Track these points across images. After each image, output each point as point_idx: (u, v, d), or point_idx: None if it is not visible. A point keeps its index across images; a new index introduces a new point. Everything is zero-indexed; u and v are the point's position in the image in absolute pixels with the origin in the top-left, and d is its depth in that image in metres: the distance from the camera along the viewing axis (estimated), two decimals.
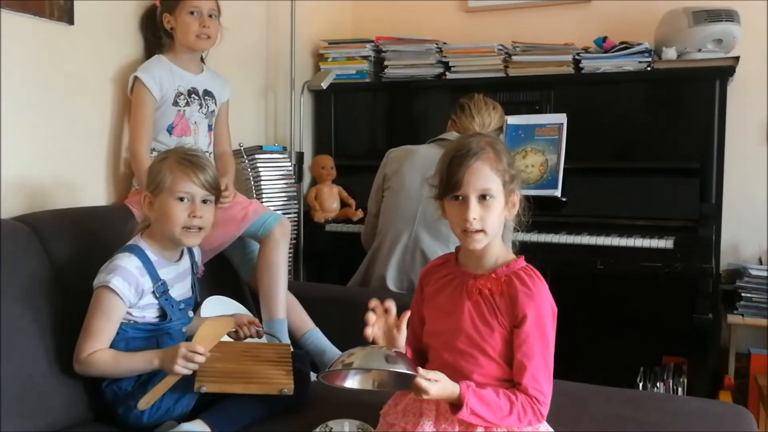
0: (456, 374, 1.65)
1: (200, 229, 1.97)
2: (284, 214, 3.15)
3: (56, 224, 2.12)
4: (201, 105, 2.64)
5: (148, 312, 1.95)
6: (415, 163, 2.81)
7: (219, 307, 2.34)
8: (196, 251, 2.17)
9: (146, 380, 1.87)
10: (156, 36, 2.64)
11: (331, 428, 1.81)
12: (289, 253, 3.23)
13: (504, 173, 1.64)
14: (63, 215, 2.20)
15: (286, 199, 3.25)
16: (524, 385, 1.58)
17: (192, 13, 2.55)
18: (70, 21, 2.37)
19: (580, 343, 2.94)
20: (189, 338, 2.00)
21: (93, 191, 2.51)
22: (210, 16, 2.58)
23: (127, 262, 1.89)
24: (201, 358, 1.81)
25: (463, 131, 2.81)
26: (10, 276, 1.88)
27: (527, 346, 1.59)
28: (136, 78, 2.50)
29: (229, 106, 2.82)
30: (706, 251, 2.80)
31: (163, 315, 1.97)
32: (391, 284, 2.73)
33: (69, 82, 2.41)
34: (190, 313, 2.07)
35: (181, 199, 1.93)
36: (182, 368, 1.79)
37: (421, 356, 1.77)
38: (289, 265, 3.19)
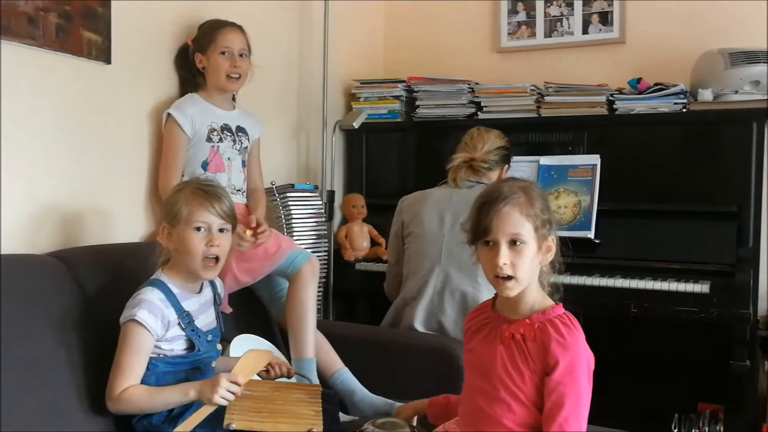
0: (488, 420, 1.62)
1: (217, 260, 1.97)
2: (314, 252, 3.14)
3: (89, 260, 2.13)
4: (234, 141, 2.66)
5: (176, 344, 1.94)
6: (430, 206, 2.80)
7: (248, 345, 2.33)
8: (219, 283, 2.17)
9: (177, 414, 1.87)
10: (190, 73, 2.68)
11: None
12: (319, 291, 3.23)
13: (536, 218, 1.62)
14: (96, 251, 2.22)
15: (316, 237, 3.25)
16: None
17: (223, 53, 2.59)
18: (108, 61, 2.41)
19: (613, 387, 2.87)
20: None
21: (128, 226, 2.53)
22: (241, 55, 2.62)
23: (151, 295, 1.90)
24: (239, 389, 1.82)
25: (454, 157, 2.81)
26: (43, 311, 1.89)
27: (557, 395, 1.55)
28: (168, 115, 2.54)
29: (262, 145, 2.84)
30: (743, 296, 2.75)
31: (191, 347, 1.97)
32: (420, 328, 2.69)
33: (106, 119, 2.44)
34: (219, 347, 2.07)
35: (198, 229, 1.94)
36: (221, 398, 1.79)
37: None
38: (318, 304, 3.19)
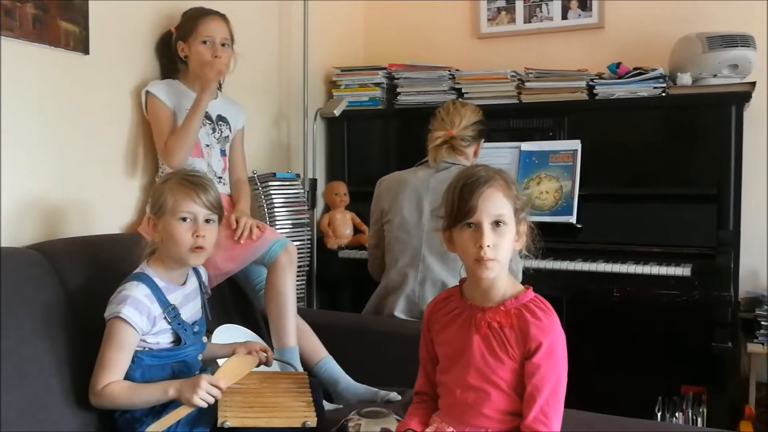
0: (467, 410, 1.63)
1: (204, 249, 1.95)
2: (297, 240, 3.14)
3: (70, 252, 2.11)
4: (214, 129, 2.65)
5: (162, 338, 1.93)
6: (408, 193, 2.80)
7: (231, 335, 2.33)
8: (203, 271, 2.15)
9: (159, 409, 1.85)
10: (171, 60, 2.66)
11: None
12: (302, 279, 3.22)
13: (515, 200, 1.63)
14: (77, 243, 2.20)
15: (299, 225, 3.24)
16: (532, 418, 1.55)
17: (205, 42, 2.57)
18: (86, 51, 2.38)
19: (597, 371, 2.90)
20: (204, 369, 1.99)
21: (109, 217, 2.51)
22: (223, 45, 2.59)
23: (136, 291, 1.88)
24: (219, 393, 1.81)
25: (435, 136, 2.80)
26: (24, 304, 1.87)
27: (538, 378, 1.56)
28: (147, 93, 2.53)
29: (243, 134, 2.82)
30: (724, 279, 2.77)
31: (177, 340, 1.95)
32: (402, 316, 2.70)
33: (85, 110, 2.41)
34: (204, 339, 2.06)
35: (184, 219, 1.93)
36: (200, 400, 1.78)
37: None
38: (301, 292, 3.19)
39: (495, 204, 1.60)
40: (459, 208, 1.62)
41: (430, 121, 2.88)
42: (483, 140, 2.91)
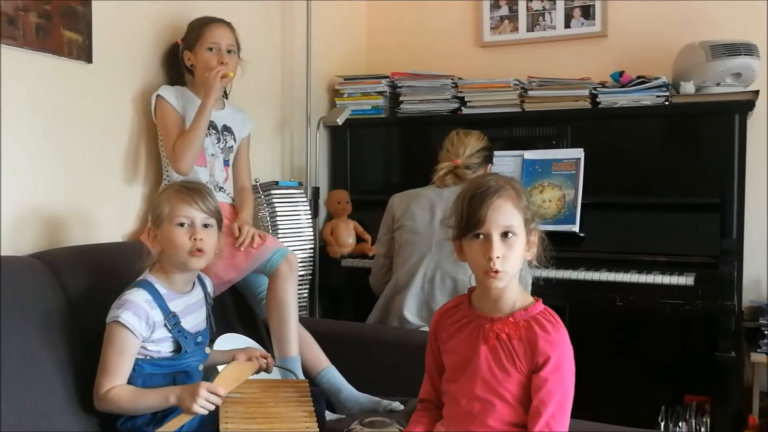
0: (471, 420, 1.62)
1: (204, 251, 1.95)
2: (300, 249, 3.13)
3: (72, 261, 2.11)
4: (219, 140, 2.64)
5: (163, 346, 1.93)
6: (421, 201, 2.84)
7: (232, 344, 2.32)
8: (208, 282, 2.15)
9: (161, 417, 1.86)
10: (179, 72, 2.67)
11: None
12: (305, 288, 3.21)
13: (525, 210, 1.62)
14: (79, 252, 2.20)
15: (301, 234, 3.24)
16: None
17: (210, 49, 2.57)
18: (89, 60, 2.39)
19: (599, 381, 2.88)
20: (206, 377, 1.99)
21: (111, 226, 2.51)
22: (229, 51, 2.59)
23: (136, 296, 1.89)
24: (219, 400, 1.80)
25: (440, 167, 2.85)
26: (26, 313, 1.87)
27: (544, 392, 1.55)
28: (158, 96, 2.52)
29: (249, 142, 2.82)
30: (727, 288, 2.76)
31: (178, 348, 1.95)
32: (411, 317, 2.70)
33: (88, 119, 2.41)
34: (207, 350, 2.05)
35: (182, 225, 1.93)
36: (200, 408, 1.78)
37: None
38: (304, 301, 3.18)
39: (504, 215, 1.59)
40: (468, 218, 1.61)
41: (439, 153, 2.90)
42: (490, 164, 2.93)
